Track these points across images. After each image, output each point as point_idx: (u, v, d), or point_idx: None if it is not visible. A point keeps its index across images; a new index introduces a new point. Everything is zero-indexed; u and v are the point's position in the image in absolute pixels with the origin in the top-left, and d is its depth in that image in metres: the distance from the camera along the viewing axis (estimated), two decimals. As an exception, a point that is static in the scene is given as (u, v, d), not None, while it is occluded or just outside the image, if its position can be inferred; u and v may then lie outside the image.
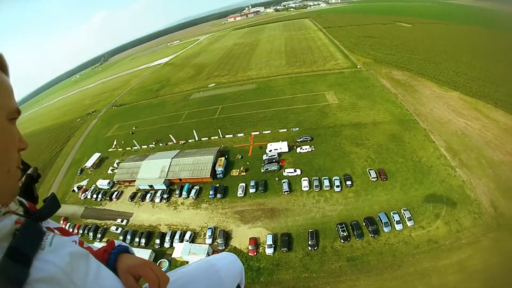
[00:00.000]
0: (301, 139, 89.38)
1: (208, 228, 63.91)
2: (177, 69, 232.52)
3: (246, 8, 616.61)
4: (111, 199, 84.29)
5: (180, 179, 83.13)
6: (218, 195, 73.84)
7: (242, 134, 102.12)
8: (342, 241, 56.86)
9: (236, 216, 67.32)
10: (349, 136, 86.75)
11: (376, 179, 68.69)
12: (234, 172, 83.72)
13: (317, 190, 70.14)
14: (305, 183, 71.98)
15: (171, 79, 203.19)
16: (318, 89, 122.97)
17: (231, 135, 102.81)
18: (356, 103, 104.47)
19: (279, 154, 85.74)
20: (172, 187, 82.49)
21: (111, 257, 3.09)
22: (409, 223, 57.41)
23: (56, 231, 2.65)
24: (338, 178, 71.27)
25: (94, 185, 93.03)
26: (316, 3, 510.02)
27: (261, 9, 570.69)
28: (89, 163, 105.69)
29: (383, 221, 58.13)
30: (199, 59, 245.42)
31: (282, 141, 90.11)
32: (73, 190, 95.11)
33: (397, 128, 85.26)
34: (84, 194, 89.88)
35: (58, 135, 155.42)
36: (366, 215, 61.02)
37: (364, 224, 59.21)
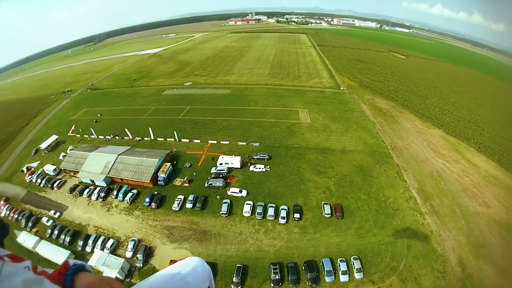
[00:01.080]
0: (257, 156, 78.34)
1: (132, 240, 56.80)
2: (162, 62, 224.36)
3: (250, 15, 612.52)
4: (52, 187, 78.05)
5: (121, 179, 75.84)
6: (153, 204, 65.68)
7: (198, 141, 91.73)
8: (272, 284, 47.09)
9: (165, 231, 59.17)
10: (312, 160, 76.18)
11: (330, 215, 57.68)
12: (178, 181, 73.77)
13: (259, 218, 59.04)
14: (247, 208, 60.90)
15: (152, 71, 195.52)
16: (293, 105, 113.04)
17: (188, 140, 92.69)
18: (329, 125, 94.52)
19: (229, 169, 74.86)
20: (112, 186, 75.46)
21: (67, 279, 2.92)
22: (357, 275, 47.09)
23: (6, 258, 2.57)
24: (286, 208, 60.13)
25: (41, 169, 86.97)
26: (318, 21, 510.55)
27: (264, 18, 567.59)
28: (44, 145, 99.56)
29: (326, 269, 47.64)
30: (186, 56, 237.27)
31: (236, 155, 79.09)
32: (22, 171, 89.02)
33: (367, 160, 75.11)
34: (30, 176, 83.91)
35: (29, 109, 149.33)
36: (308, 257, 50.52)
37: (303, 268, 48.84)
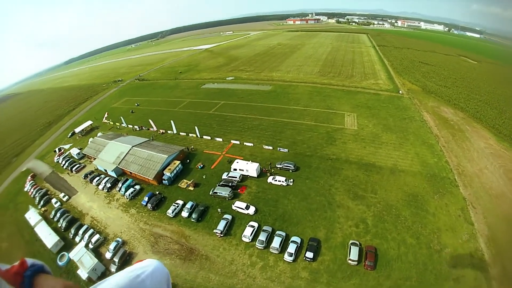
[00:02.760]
0: (281, 165, 64.49)
1: (115, 241, 51.50)
2: (211, 57, 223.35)
3: (310, 15, 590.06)
4: (72, 170, 79.24)
5: (130, 172, 71.26)
6: (149, 205, 58.96)
7: (220, 139, 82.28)
8: None
9: (151, 239, 51.74)
10: (349, 179, 59.75)
11: (357, 262, 41.36)
12: (183, 183, 65.27)
13: (260, 247, 45.75)
14: (248, 231, 48.23)
15: (199, 65, 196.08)
16: (339, 107, 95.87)
17: (209, 137, 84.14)
18: (379, 135, 76.16)
19: (244, 177, 62.12)
20: (119, 178, 71.69)
21: (25, 281, 2.63)
22: None
23: None
24: (298, 240, 45.50)
25: (69, 151, 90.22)
26: (381, 23, 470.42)
27: (324, 18, 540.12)
28: (78, 129, 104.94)
29: None
30: (236, 52, 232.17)
31: (255, 161, 66.45)
32: (54, 151, 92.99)
33: (423, 186, 56.17)
34: (58, 157, 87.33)
35: (81, 95, 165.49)
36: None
37: None
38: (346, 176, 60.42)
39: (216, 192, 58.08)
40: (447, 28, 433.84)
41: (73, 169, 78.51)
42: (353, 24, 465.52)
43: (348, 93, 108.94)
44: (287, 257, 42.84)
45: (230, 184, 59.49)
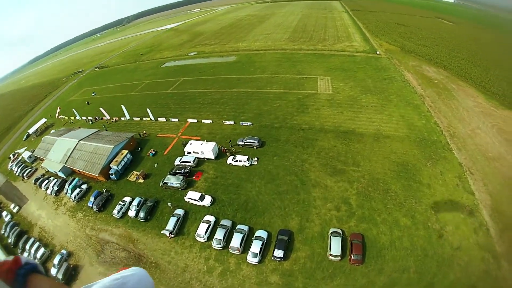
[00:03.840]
0: (243, 142, 53.76)
1: (60, 254, 42.66)
2: (175, 35, 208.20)
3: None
4: (23, 177, 68.13)
5: (79, 170, 59.84)
6: (94, 207, 49.13)
7: (176, 120, 71.07)
8: None
9: (97, 247, 42.93)
10: (326, 151, 50.16)
11: (340, 257, 32.03)
12: (133, 176, 54.43)
13: (218, 247, 35.95)
14: (203, 228, 37.89)
15: (162, 44, 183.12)
16: (310, 71, 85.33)
17: (164, 119, 72.84)
18: (358, 98, 66.66)
19: (199, 161, 51.41)
20: (67, 178, 60.65)
21: (18, 280, 2.40)
22: None
23: None
24: (264, 235, 35.66)
25: (21, 156, 78.25)
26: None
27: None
28: (32, 129, 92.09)
29: None
30: (202, 27, 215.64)
31: (213, 140, 55.61)
32: (9, 157, 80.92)
33: (413, 153, 47.35)
34: (11, 164, 76.10)
35: (40, 93, 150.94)
36: None
37: None
38: (322, 148, 50.70)
39: (166, 183, 47.43)
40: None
41: (25, 174, 67.79)
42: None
43: (320, 56, 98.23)
44: (251, 259, 33.19)
45: (183, 171, 48.65)
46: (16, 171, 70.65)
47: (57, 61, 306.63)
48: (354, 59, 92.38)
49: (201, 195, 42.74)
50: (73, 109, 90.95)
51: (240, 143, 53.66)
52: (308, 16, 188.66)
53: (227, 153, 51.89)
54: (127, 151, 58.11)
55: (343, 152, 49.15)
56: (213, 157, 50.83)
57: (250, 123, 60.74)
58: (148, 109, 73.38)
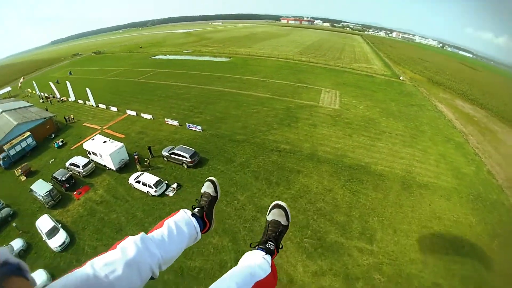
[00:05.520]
0: (167, 153, 33.50)
1: None
2: (184, 37, 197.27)
3: (305, 18, 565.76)
4: None
5: None
6: None
7: (115, 109, 52.94)
8: None
9: None
10: (313, 196, 29.41)
11: None
12: (18, 170, 36.20)
13: None
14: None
15: (166, 42, 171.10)
16: (315, 82, 66.32)
17: (104, 106, 56.00)
18: (376, 120, 46.77)
19: (96, 168, 31.05)
20: None
21: None
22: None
23: None
24: None
25: None
26: (375, 31, 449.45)
27: (319, 22, 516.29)
28: None
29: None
30: (213, 34, 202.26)
31: (140, 142, 37.61)
32: None
33: (469, 221, 25.93)
34: None
35: (33, 66, 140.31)
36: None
37: None
38: (305, 190, 29.20)
39: (32, 191, 26.77)
40: (441, 45, 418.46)
41: None
42: (348, 29, 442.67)
43: (330, 70, 79.85)
44: None
45: (65, 178, 27.93)
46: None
47: (68, 46, 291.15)
48: (373, 79, 73.60)
49: (53, 227, 22.33)
50: (33, 81, 78.38)
51: (164, 153, 33.27)
52: (326, 40, 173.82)
53: (138, 165, 31.00)
54: (29, 133, 39.29)
55: (344, 205, 27.11)
56: (113, 167, 30.15)
57: (200, 128, 40.77)
58: (89, 92, 55.36)
